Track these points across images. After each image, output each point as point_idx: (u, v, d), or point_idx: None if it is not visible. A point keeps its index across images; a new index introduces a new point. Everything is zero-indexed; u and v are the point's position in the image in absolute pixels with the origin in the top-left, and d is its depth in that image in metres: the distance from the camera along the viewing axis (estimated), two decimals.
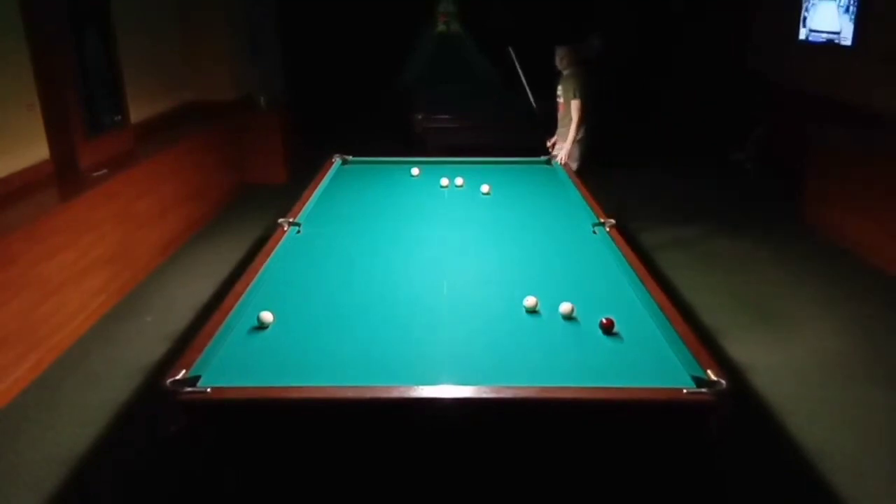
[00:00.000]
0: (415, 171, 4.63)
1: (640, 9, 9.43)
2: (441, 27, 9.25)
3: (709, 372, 2.08)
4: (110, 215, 4.53)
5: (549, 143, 5.31)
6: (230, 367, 2.19)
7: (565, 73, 5.06)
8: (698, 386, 2.04)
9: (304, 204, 3.86)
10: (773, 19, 8.16)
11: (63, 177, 4.49)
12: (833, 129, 6.10)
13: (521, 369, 2.21)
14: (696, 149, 8.54)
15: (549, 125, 5.42)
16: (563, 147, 5.06)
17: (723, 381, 2.02)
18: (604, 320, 2.44)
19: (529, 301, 2.59)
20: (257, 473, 2.14)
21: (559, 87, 5.14)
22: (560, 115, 5.20)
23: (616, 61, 8.16)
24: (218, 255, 5.32)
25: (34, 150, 4.37)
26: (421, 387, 2.04)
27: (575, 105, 4.97)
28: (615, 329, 2.43)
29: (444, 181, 4.36)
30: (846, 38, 6.63)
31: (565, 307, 2.55)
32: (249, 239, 5.53)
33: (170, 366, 2.13)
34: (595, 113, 5.15)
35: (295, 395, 2.04)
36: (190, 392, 1.99)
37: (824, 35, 7.02)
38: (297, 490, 2.18)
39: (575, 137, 5.02)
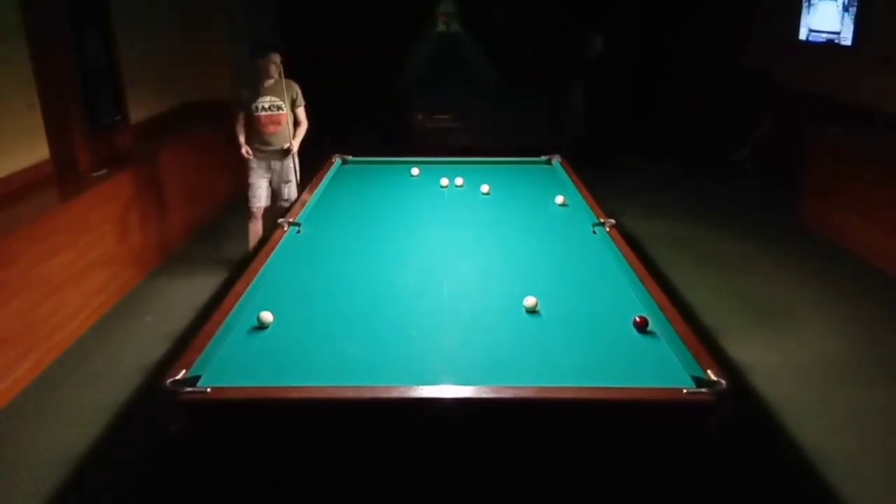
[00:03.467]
0: (415, 171, 4.63)
1: (641, 9, 9.43)
2: (441, 27, 9.26)
3: (709, 372, 2.08)
4: (110, 215, 4.53)
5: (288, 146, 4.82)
6: (230, 367, 2.19)
7: (274, 80, 4.70)
8: (698, 386, 2.04)
9: (304, 204, 3.86)
10: (773, 19, 8.16)
11: (63, 177, 4.48)
12: (833, 129, 6.10)
13: (521, 369, 2.21)
14: (696, 149, 8.54)
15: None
16: (291, 163, 4.85)
17: (723, 381, 2.02)
18: (637, 318, 2.44)
19: (529, 301, 2.59)
20: (257, 473, 2.14)
21: (267, 97, 4.70)
22: (279, 126, 4.76)
23: (615, 61, 8.16)
24: (218, 255, 5.32)
25: (34, 150, 4.37)
26: (421, 387, 2.04)
27: (303, 112, 4.84)
28: (649, 327, 2.43)
29: (444, 181, 4.36)
30: (846, 38, 6.63)
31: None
32: None
33: (170, 366, 2.13)
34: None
35: (295, 395, 2.03)
36: (190, 392, 1.99)
37: (824, 35, 7.02)
38: (297, 490, 2.18)
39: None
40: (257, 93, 4.70)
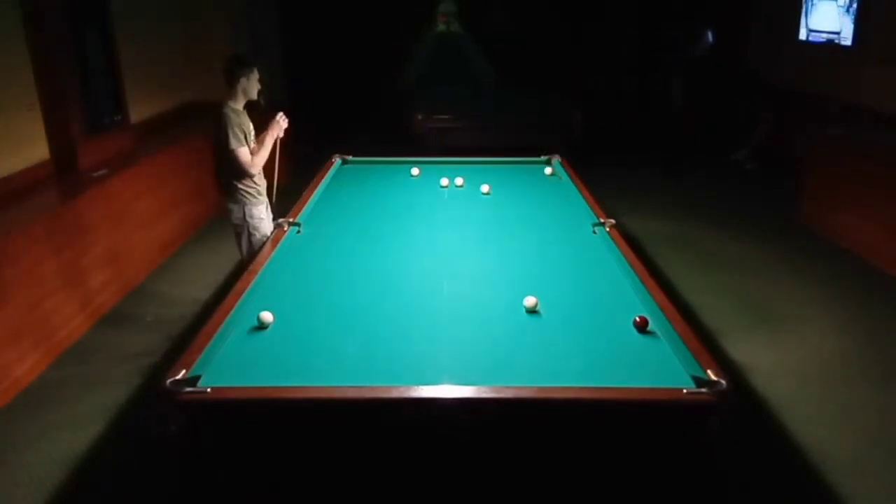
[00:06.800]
0: (415, 171, 4.63)
1: (641, 8, 9.44)
2: (441, 27, 9.26)
3: (709, 372, 2.08)
4: (110, 215, 4.53)
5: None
6: (230, 367, 2.20)
7: (244, 104, 3.60)
8: (698, 386, 2.04)
9: (304, 204, 3.86)
10: (773, 19, 8.16)
11: (63, 177, 4.48)
12: (833, 129, 6.09)
13: (521, 369, 2.21)
14: (696, 148, 8.54)
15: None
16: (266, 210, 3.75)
17: (723, 381, 2.02)
18: (637, 318, 2.44)
19: (529, 301, 2.59)
20: (257, 473, 2.14)
21: (248, 126, 3.61)
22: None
23: (616, 61, 8.17)
24: (218, 255, 5.31)
25: (34, 150, 4.36)
26: (421, 387, 2.04)
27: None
28: (649, 327, 2.43)
29: (444, 181, 4.36)
30: (846, 38, 6.63)
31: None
32: None
33: (170, 366, 2.13)
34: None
35: (295, 395, 2.04)
36: (190, 392, 1.99)
37: (824, 35, 7.02)
38: (298, 490, 2.18)
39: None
40: (247, 117, 3.62)
